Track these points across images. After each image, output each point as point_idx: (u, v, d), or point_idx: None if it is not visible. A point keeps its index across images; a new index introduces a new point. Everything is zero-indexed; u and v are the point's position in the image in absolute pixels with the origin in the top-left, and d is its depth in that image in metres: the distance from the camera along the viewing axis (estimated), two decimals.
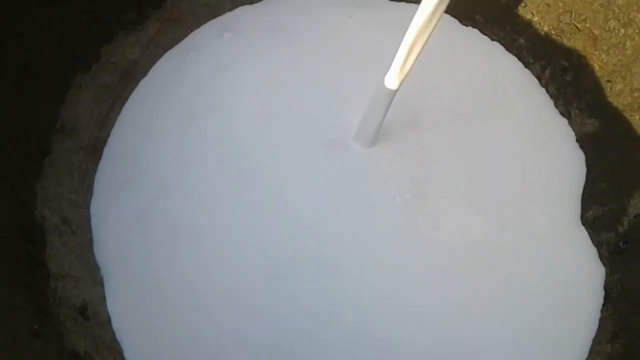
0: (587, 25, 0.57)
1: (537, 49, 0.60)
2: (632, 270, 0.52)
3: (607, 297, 0.53)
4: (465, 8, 0.61)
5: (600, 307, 0.52)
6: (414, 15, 0.43)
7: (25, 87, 0.50)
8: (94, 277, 0.52)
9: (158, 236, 0.53)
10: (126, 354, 0.50)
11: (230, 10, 0.62)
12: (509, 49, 0.62)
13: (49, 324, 0.47)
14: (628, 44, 0.54)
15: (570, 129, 0.59)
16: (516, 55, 0.61)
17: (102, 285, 0.52)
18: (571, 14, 0.57)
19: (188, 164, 0.55)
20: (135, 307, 0.51)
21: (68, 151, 0.54)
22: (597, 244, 0.54)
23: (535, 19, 0.60)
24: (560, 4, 0.58)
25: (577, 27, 0.58)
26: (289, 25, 0.62)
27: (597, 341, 0.51)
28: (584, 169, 0.57)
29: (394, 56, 0.46)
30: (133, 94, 0.58)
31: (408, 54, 0.45)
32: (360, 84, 0.55)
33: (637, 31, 0.54)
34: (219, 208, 0.54)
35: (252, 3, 0.63)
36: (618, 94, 0.55)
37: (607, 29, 0.55)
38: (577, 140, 0.58)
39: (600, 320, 0.52)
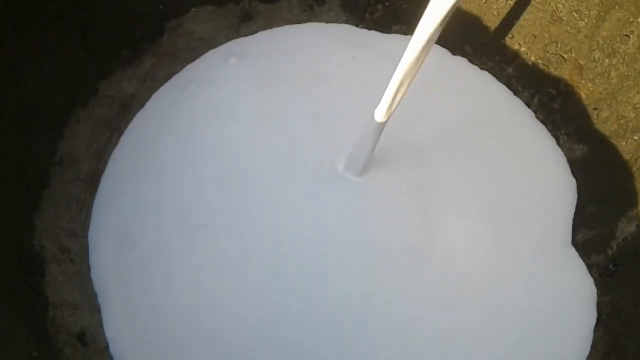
0: (573, 55, 0.58)
1: (525, 78, 0.61)
2: (622, 292, 0.52)
3: (598, 319, 0.53)
4: (454, 39, 0.61)
5: (592, 328, 0.53)
6: (403, 49, 0.44)
7: (24, 123, 0.51)
8: (92, 304, 0.52)
9: (154, 263, 0.54)
10: None
11: (224, 43, 0.63)
12: (498, 78, 0.62)
13: (48, 352, 0.47)
14: (613, 73, 0.55)
15: (562, 154, 0.59)
16: (505, 84, 0.62)
17: (99, 311, 0.52)
18: (557, 44, 0.58)
19: (183, 192, 0.56)
20: (133, 332, 0.52)
21: (66, 183, 0.55)
22: (588, 266, 0.55)
23: (523, 49, 0.60)
24: (546, 35, 0.59)
25: (563, 57, 0.58)
26: (282, 58, 0.62)
27: None
28: (575, 194, 0.58)
29: (385, 87, 0.47)
30: (130, 125, 0.59)
31: (398, 87, 0.46)
32: (352, 114, 0.56)
33: (621, 61, 0.54)
34: (215, 236, 0.54)
35: (245, 35, 0.63)
36: (604, 121, 0.56)
37: (592, 59, 0.56)
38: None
39: (592, 341, 0.53)
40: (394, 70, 0.45)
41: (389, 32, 0.64)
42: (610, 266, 0.54)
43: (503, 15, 0.60)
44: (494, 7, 0.60)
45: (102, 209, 0.56)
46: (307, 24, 0.65)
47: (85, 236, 0.55)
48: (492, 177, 0.58)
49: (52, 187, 0.53)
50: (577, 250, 0.56)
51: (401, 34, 0.64)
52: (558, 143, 0.60)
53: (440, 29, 0.42)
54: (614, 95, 0.55)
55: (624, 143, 0.55)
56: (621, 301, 0.52)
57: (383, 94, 0.47)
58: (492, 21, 0.61)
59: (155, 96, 0.60)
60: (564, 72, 0.59)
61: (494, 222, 0.56)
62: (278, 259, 0.54)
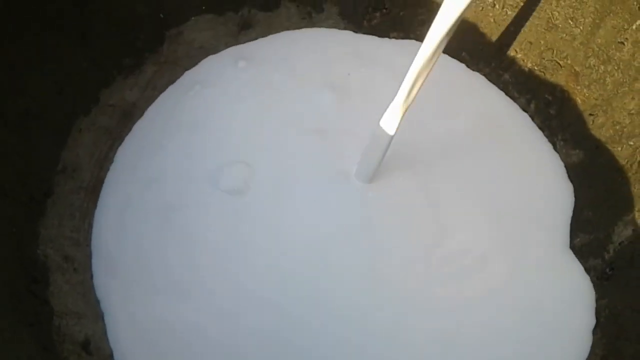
0: (569, 62, 0.58)
1: (521, 84, 0.62)
2: (619, 296, 0.52)
3: (596, 322, 0.53)
4: (451, 46, 0.60)
5: (591, 331, 0.53)
6: (411, 59, 0.44)
7: (27, 132, 0.51)
8: (96, 313, 0.52)
9: (157, 271, 0.53)
10: None
11: (223, 50, 0.63)
12: (495, 84, 0.63)
13: None
14: (608, 79, 0.55)
15: (560, 159, 0.60)
16: (502, 90, 0.62)
17: (103, 320, 0.52)
18: (553, 51, 0.59)
19: (184, 199, 0.56)
20: (137, 340, 0.52)
21: (69, 192, 0.55)
22: (585, 270, 0.55)
23: (519, 55, 0.61)
24: (542, 42, 0.59)
25: (559, 63, 0.59)
26: (288, 63, 0.63)
27: None
28: (572, 199, 0.58)
29: (385, 88, 0.47)
30: (130, 133, 0.59)
31: (409, 91, 0.46)
32: (362, 120, 0.57)
33: (616, 68, 0.55)
34: (220, 242, 0.54)
35: (246, 42, 0.64)
36: (600, 127, 0.56)
37: (587, 65, 0.57)
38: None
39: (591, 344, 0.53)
40: (394, 74, 0.45)
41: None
42: (608, 270, 0.54)
43: (500, 22, 0.61)
44: (491, 14, 0.61)
45: (104, 217, 0.56)
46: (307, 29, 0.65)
47: (89, 245, 0.55)
48: (490, 183, 0.58)
49: (56, 195, 0.53)
50: (574, 254, 0.56)
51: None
52: (555, 148, 0.60)
53: (449, 37, 0.43)
54: (609, 102, 0.55)
55: (619, 148, 0.55)
56: (618, 304, 0.52)
57: (387, 98, 0.47)
58: (489, 28, 0.62)
59: (155, 104, 0.60)
60: (559, 78, 0.59)
61: (493, 227, 0.56)
62: (286, 266, 0.54)
